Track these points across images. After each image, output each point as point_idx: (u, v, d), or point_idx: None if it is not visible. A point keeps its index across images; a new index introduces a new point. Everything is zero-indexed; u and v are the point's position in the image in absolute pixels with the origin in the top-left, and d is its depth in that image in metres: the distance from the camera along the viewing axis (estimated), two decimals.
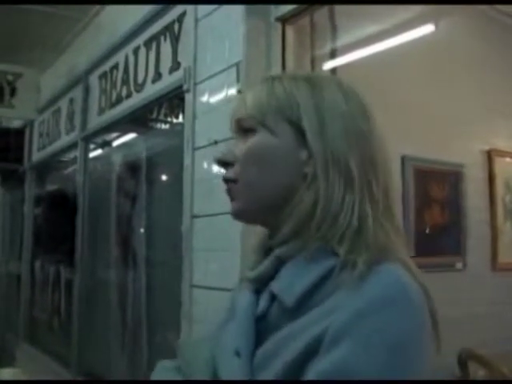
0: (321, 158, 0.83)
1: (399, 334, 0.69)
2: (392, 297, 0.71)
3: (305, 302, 0.78)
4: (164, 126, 3.25)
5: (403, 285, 0.73)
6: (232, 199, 0.91)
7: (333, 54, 2.51)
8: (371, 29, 2.63)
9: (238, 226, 1.98)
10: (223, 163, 0.92)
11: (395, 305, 0.71)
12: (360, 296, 0.71)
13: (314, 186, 0.82)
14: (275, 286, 0.83)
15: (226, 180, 0.91)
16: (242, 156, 0.89)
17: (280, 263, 0.84)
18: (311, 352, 0.72)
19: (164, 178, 3.05)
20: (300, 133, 0.85)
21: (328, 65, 2.47)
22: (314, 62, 2.33)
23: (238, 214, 0.91)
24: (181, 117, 2.79)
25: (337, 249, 0.78)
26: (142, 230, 3.08)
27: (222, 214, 2.09)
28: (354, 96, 0.89)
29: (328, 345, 0.71)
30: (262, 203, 0.88)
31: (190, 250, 2.29)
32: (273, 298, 0.83)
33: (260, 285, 0.87)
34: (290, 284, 0.80)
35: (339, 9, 2.43)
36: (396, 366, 0.68)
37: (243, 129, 0.90)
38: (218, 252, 2.14)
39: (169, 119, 3.15)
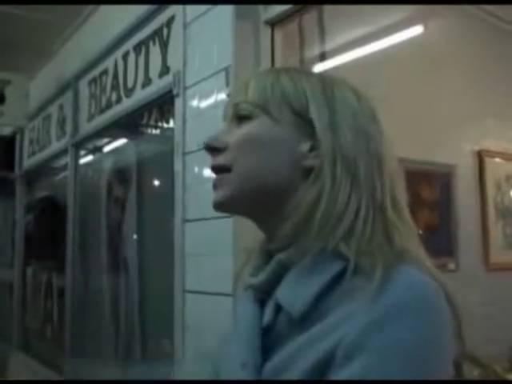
0: (329, 152, 0.78)
1: (416, 345, 0.65)
2: (408, 304, 0.66)
3: (314, 312, 0.72)
4: (155, 131, 3.24)
5: (420, 289, 0.68)
6: (217, 188, 0.83)
7: (322, 57, 2.52)
8: (360, 31, 2.64)
9: (230, 230, 1.98)
10: (212, 149, 0.85)
11: (411, 313, 0.66)
12: (374, 305, 0.66)
13: (319, 182, 0.77)
14: (280, 295, 0.77)
15: (216, 168, 0.84)
16: (238, 142, 0.82)
17: (283, 269, 0.78)
18: (323, 367, 0.67)
19: (155, 183, 3.05)
20: (304, 124, 0.80)
21: (317, 68, 2.48)
22: (303, 66, 2.33)
23: (222, 203, 0.83)
24: (171, 122, 2.78)
25: (344, 250, 0.73)
26: (133, 236, 3.06)
27: (213, 218, 2.09)
28: (364, 98, 0.85)
29: (342, 359, 0.66)
30: (254, 195, 0.82)
31: (182, 255, 2.28)
32: (278, 308, 0.77)
33: (263, 293, 0.82)
34: (296, 293, 0.74)
35: (328, 11, 2.44)
36: (414, 378, 0.64)
37: (240, 115, 0.84)
38: (210, 257, 2.13)
39: (159, 124, 3.14)
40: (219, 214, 2.11)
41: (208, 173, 2.19)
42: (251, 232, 2.00)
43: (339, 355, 0.66)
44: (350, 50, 2.64)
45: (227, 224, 1.99)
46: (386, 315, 0.66)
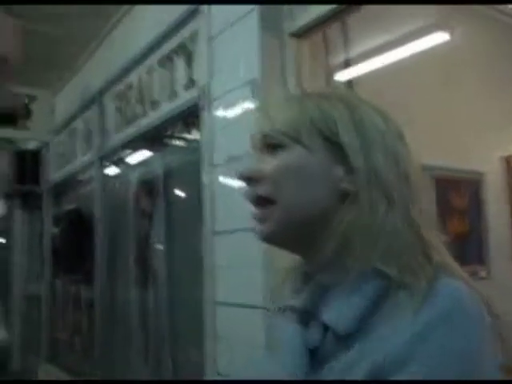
0: (363, 174, 0.79)
1: (461, 351, 0.67)
2: (451, 314, 0.69)
3: (360, 329, 0.74)
4: (180, 143, 3.26)
5: (463, 300, 0.71)
6: (262, 221, 0.85)
7: (347, 67, 2.52)
8: (384, 39, 2.63)
9: (260, 242, 1.98)
10: (248, 179, 0.86)
11: (453, 321, 0.68)
12: (419, 317, 0.69)
13: (356, 205, 0.79)
14: (326, 316, 0.78)
15: (258, 199, 0.85)
16: (275, 172, 0.83)
17: (324, 290, 0.80)
18: (373, 381, 0.69)
19: (181, 194, 3.06)
20: (336, 148, 0.82)
21: (342, 77, 2.48)
22: (329, 76, 2.33)
23: (270, 238, 0.85)
24: (196, 133, 2.80)
25: (385, 269, 0.75)
26: (161, 248, 3.07)
27: (242, 230, 2.09)
28: (390, 118, 0.86)
29: (391, 371, 0.68)
30: (298, 225, 0.83)
31: (212, 267, 2.28)
32: (325, 328, 0.78)
33: (304, 314, 0.83)
34: (342, 312, 0.76)
35: (351, 21, 2.43)
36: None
37: (270, 145, 0.85)
38: (239, 268, 2.13)
39: (184, 135, 3.16)
40: (248, 226, 2.11)
41: (237, 184, 2.20)
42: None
43: (388, 367, 0.68)
44: (375, 59, 2.63)
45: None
46: (429, 326, 0.68)
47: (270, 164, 0.85)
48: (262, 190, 0.84)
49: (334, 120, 0.83)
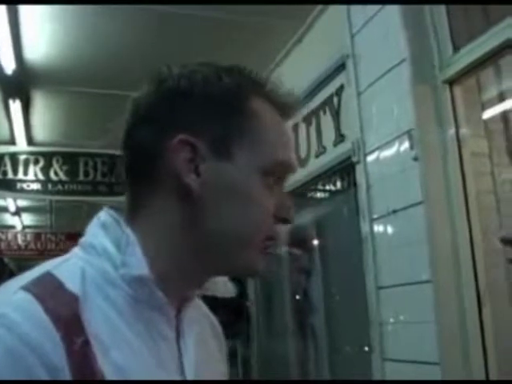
0: None
1: None
2: None
3: None
4: (330, 197, 3.28)
5: None
6: None
7: (502, 109, 2.43)
8: None
9: (431, 295, 1.92)
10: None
11: None
12: None
13: None
14: None
15: None
16: None
17: None
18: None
19: (337, 249, 3.04)
20: None
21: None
22: (487, 122, 2.26)
23: None
24: (348, 187, 2.81)
25: None
26: (320, 304, 3.05)
27: (409, 284, 2.05)
28: None
29: None
30: None
31: (378, 323, 2.24)
32: None
33: None
34: None
35: (504, 62, 2.36)
36: None
37: None
38: (408, 324, 2.09)
39: (335, 190, 3.18)
40: (414, 280, 2.06)
41: (398, 237, 2.16)
42: (453, 296, 1.92)
43: None
44: None
45: (426, 289, 1.94)
46: None
47: None
48: None
49: None
